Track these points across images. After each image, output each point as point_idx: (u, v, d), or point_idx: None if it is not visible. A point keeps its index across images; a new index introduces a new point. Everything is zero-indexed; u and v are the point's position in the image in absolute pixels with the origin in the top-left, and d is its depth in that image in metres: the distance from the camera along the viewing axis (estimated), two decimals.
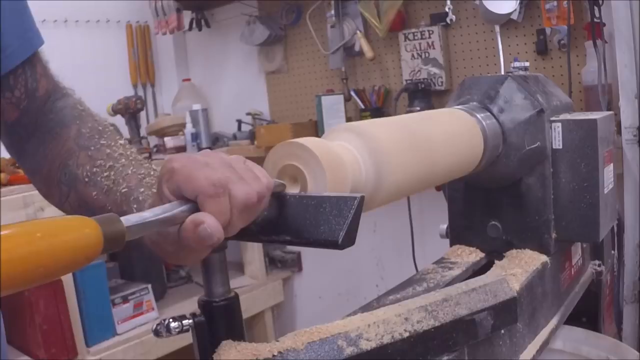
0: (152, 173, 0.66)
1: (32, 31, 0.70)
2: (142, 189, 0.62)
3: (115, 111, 2.31)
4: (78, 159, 0.68)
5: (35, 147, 0.72)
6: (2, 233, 0.34)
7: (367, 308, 0.69)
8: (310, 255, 2.55)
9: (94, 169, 0.66)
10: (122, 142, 0.70)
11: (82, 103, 0.75)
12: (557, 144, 0.85)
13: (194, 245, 0.47)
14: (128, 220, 0.43)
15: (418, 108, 1.86)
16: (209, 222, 0.45)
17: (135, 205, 0.61)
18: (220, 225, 0.46)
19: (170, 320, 0.54)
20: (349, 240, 0.49)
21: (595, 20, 1.49)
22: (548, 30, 1.72)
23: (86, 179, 0.66)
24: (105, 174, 0.65)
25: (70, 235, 0.38)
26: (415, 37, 1.98)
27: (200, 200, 0.47)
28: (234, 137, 2.50)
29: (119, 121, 2.33)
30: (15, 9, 0.67)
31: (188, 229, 0.46)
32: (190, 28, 2.61)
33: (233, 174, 0.48)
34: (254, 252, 2.40)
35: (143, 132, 2.52)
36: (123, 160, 0.67)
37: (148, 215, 0.45)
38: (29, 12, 0.70)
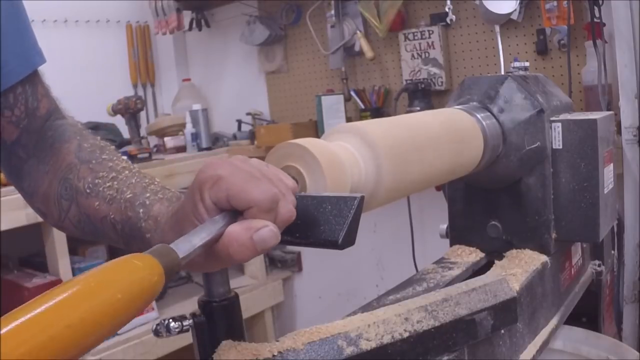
0: (155, 182, 0.65)
1: (34, 50, 0.70)
2: (147, 194, 0.61)
3: (115, 111, 2.30)
4: (79, 172, 0.67)
5: (35, 166, 0.70)
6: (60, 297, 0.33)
7: (367, 308, 0.69)
8: (310, 255, 2.55)
9: (96, 180, 0.65)
10: (124, 158, 0.70)
11: (81, 124, 0.74)
12: (557, 144, 0.85)
13: (246, 252, 0.46)
14: (179, 248, 0.42)
15: (418, 108, 1.86)
16: (272, 223, 0.46)
17: (141, 210, 0.60)
18: (277, 227, 0.46)
19: (170, 320, 0.54)
20: (349, 240, 0.49)
21: (595, 20, 1.49)
22: (548, 30, 1.72)
23: (87, 191, 0.65)
24: (108, 184, 0.64)
25: (135, 279, 0.37)
26: (415, 37, 1.98)
27: (253, 213, 0.46)
28: (234, 137, 2.50)
29: (119, 121, 2.33)
30: (16, 27, 0.66)
31: (240, 234, 0.46)
32: (190, 28, 2.61)
33: (279, 189, 0.48)
34: None
35: (143, 132, 2.52)
36: (127, 172, 0.66)
37: (195, 239, 0.44)
38: (30, 31, 0.69)
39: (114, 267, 0.37)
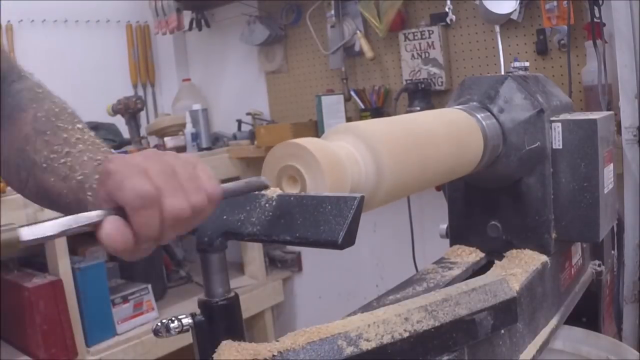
0: (109, 158, 0.64)
1: None
2: (96, 176, 0.60)
3: (115, 111, 2.31)
4: (35, 144, 0.66)
5: None
6: None
7: (367, 308, 0.69)
8: (310, 255, 2.54)
9: (52, 155, 0.65)
10: (80, 126, 0.69)
11: (40, 85, 0.73)
12: (557, 144, 0.85)
13: (106, 248, 0.46)
14: (27, 233, 0.44)
15: (418, 108, 1.86)
16: (107, 229, 0.45)
17: (90, 193, 0.60)
18: (119, 235, 0.46)
19: (170, 320, 0.54)
20: (349, 240, 0.49)
21: (595, 20, 1.49)
22: (548, 30, 1.72)
23: (44, 165, 0.65)
24: (62, 160, 0.64)
25: None
26: (415, 37, 1.98)
27: (128, 211, 0.46)
28: (234, 137, 2.49)
29: (119, 121, 2.33)
30: None
31: (98, 229, 0.46)
32: (190, 28, 2.61)
33: (169, 185, 0.47)
34: (254, 252, 2.40)
35: (143, 132, 2.52)
36: (80, 145, 0.65)
37: (53, 229, 0.45)
38: None
39: None
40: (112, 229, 0.45)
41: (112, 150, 0.67)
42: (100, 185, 0.48)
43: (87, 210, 0.59)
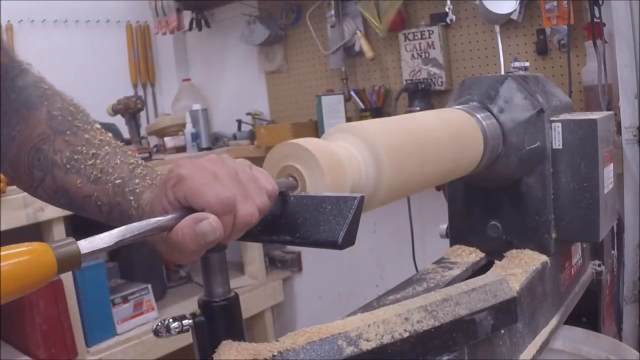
0: (140, 162, 0.64)
1: None
2: (136, 180, 0.61)
3: (115, 111, 2.30)
4: (54, 144, 0.66)
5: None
6: None
7: (367, 308, 0.69)
8: (310, 255, 2.55)
9: (75, 156, 0.64)
10: (97, 125, 0.68)
11: (44, 80, 0.72)
12: (557, 144, 0.85)
13: (190, 243, 0.47)
14: (87, 245, 0.44)
15: (418, 108, 1.86)
16: (212, 219, 0.47)
17: (131, 197, 0.60)
18: (220, 226, 0.47)
19: (170, 320, 0.54)
20: (349, 240, 0.49)
21: (595, 20, 1.49)
22: (548, 30, 1.72)
23: (67, 166, 0.64)
24: (90, 162, 0.64)
25: (23, 261, 0.40)
26: (415, 37, 1.98)
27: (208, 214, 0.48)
28: (234, 137, 2.50)
29: (119, 121, 2.33)
30: None
31: (185, 226, 0.47)
32: (190, 28, 2.61)
33: (240, 191, 0.49)
34: (254, 252, 2.40)
35: (143, 132, 2.52)
36: (106, 147, 0.65)
37: (113, 237, 0.46)
38: None
39: (6, 249, 0.39)
40: (216, 220, 0.47)
41: (137, 154, 0.67)
42: (169, 189, 0.50)
43: (124, 213, 0.60)
